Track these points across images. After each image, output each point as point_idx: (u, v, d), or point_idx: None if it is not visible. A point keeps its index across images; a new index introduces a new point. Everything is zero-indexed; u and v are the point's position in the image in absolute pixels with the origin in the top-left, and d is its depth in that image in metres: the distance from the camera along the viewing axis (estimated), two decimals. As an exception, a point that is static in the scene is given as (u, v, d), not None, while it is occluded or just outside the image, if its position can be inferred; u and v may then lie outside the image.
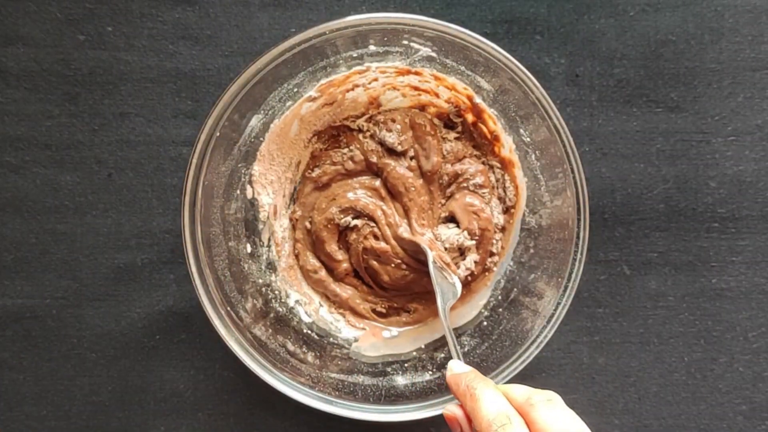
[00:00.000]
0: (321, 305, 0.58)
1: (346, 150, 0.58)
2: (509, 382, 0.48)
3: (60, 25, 0.59)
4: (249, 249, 0.56)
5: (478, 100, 0.53)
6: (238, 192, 0.54)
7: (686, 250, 0.60)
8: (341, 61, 0.52)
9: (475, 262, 0.56)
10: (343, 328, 0.58)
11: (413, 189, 0.56)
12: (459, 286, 0.54)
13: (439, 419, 0.47)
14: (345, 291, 0.58)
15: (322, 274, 0.58)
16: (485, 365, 0.51)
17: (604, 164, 0.59)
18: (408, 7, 0.59)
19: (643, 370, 0.59)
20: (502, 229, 0.57)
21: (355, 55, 0.51)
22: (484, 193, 0.56)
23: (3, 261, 0.59)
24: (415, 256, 0.56)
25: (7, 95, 0.59)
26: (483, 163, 0.57)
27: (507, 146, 0.55)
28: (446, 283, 0.53)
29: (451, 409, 0.43)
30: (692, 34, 0.59)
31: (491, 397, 0.40)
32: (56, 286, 0.58)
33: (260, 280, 0.56)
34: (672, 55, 0.59)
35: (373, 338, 0.57)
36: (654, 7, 0.59)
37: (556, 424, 0.37)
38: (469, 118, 0.56)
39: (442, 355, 0.55)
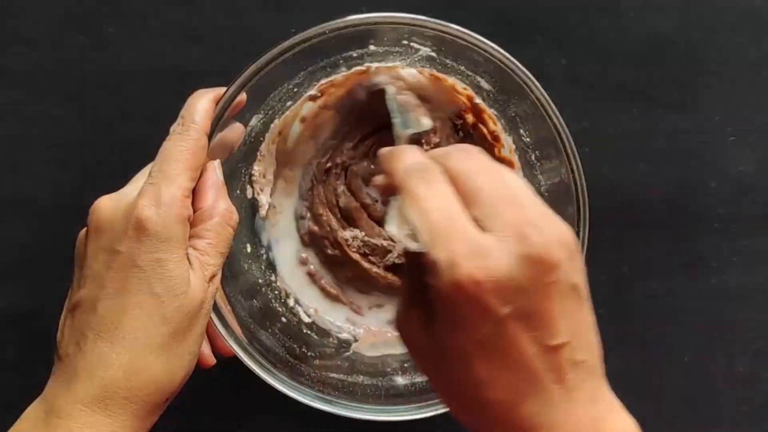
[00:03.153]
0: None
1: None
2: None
3: (61, 25, 0.59)
4: (249, 249, 0.56)
5: (478, 100, 0.53)
6: (238, 192, 0.54)
7: (687, 251, 0.60)
8: (341, 61, 0.52)
9: None
10: (343, 327, 0.58)
11: None
12: (427, 122, 0.49)
13: (438, 419, 0.47)
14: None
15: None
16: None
17: (605, 164, 0.59)
18: (407, 7, 0.59)
19: (642, 371, 0.59)
20: None
21: (355, 55, 0.51)
22: None
23: (3, 261, 0.59)
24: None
25: (8, 95, 0.59)
26: None
27: (507, 147, 0.54)
28: (409, 114, 0.49)
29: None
30: (693, 34, 0.59)
31: (409, 150, 0.38)
32: (57, 287, 0.58)
33: (260, 280, 0.56)
34: (672, 55, 0.59)
35: (372, 338, 0.57)
36: (654, 7, 0.59)
37: (466, 164, 0.35)
38: (469, 118, 0.56)
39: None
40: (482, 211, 0.33)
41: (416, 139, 0.54)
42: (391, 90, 0.51)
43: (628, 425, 0.36)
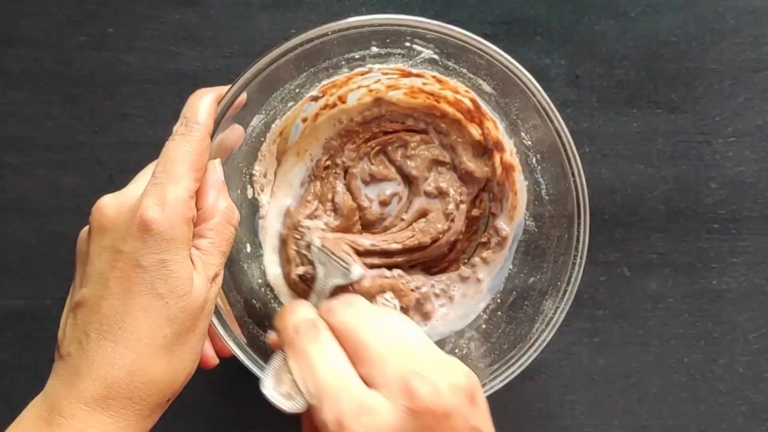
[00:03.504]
0: None
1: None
2: (508, 384, 0.48)
3: (61, 26, 0.59)
4: (249, 249, 0.56)
5: (480, 102, 0.53)
6: (239, 192, 0.54)
7: (687, 251, 0.60)
8: (343, 62, 0.52)
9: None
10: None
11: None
12: (357, 271, 0.51)
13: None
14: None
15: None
16: (484, 367, 0.51)
17: (605, 165, 0.59)
18: (408, 9, 0.59)
19: (643, 371, 0.59)
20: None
21: (357, 56, 0.51)
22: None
23: (4, 262, 0.59)
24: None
25: (8, 96, 0.59)
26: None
27: (508, 150, 0.54)
28: (333, 264, 0.50)
29: (270, 335, 0.42)
30: (693, 35, 0.59)
31: (299, 307, 0.39)
32: (57, 287, 0.58)
33: (259, 280, 0.56)
34: (673, 56, 0.59)
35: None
36: (655, 8, 0.59)
37: (350, 319, 0.37)
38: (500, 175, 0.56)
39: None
40: (368, 367, 0.34)
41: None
42: (317, 241, 0.52)
43: None
